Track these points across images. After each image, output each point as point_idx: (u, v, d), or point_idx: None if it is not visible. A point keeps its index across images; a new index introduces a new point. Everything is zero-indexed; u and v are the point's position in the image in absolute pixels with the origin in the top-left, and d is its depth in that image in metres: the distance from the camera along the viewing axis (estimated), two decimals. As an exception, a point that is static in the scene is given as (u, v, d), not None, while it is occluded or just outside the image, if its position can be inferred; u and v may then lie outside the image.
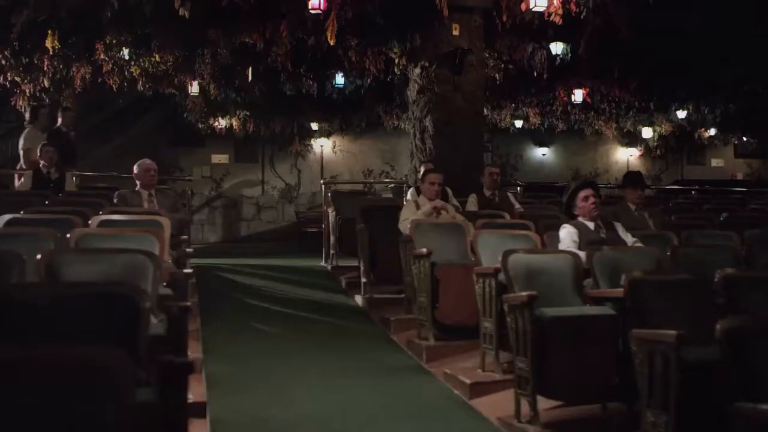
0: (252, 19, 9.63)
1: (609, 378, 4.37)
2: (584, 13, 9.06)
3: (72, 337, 2.77)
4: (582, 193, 5.67)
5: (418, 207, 7.14)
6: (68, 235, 4.74)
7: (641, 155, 20.84)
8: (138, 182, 7.20)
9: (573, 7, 9.02)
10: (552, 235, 5.81)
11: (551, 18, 8.89)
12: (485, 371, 5.26)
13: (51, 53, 10.17)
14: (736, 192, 13.84)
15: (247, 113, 15.97)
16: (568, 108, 15.33)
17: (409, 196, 8.53)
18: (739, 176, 20.28)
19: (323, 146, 19.42)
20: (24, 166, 9.77)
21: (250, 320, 7.11)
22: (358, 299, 7.87)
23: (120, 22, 9.58)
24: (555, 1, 8.79)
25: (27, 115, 9.92)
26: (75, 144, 10.27)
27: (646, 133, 18.64)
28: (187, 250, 5.94)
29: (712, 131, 18.13)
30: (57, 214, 5.84)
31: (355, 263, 8.48)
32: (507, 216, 7.58)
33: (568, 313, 4.39)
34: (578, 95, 13.77)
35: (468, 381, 5.06)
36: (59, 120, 10.21)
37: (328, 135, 19.17)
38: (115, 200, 7.13)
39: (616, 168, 20.85)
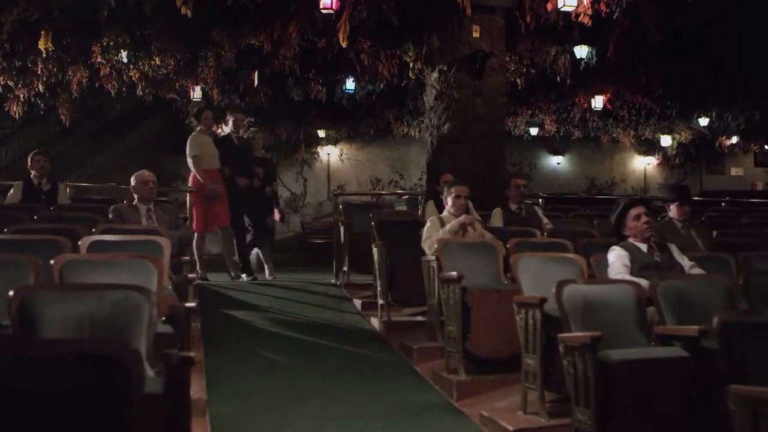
0: (259, 19, 9.04)
1: (680, 428, 3.80)
2: (616, 14, 8.48)
3: (41, 413, 2.14)
4: (633, 211, 5.11)
5: (442, 223, 6.52)
6: (52, 262, 4.10)
7: (659, 164, 20.17)
8: (136, 195, 6.61)
9: (603, 7, 8.44)
10: (599, 260, 5.18)
11: (579, 19, 8.33)
12: (527, 413, 4.63)
13: (44, 55, 9.58)
14: (764, 204, 13.15)
15: (252, 119, 15.36)
16: (587, 115, 14.68)
17: (428, 211, 7.95)
18: (759, 186, 19.58)
19: (330, 154, 18.76)
20: (199, 177, 8.49)
21: (257, 347, 6.46)
22: (375, 322, 7.20)
23: (118, 22, 9.01)
24: (585, 1, 8.22)
25: (192, 119, 9.11)
26: (245, 152, 8.99)
27: (665, 141, 17.97)
28: (191, 275, 5.29)
29: (734, 139, 17.43)
30: (43, 233, 5.20)
31: (368, 280, 7.84)
32: (538, 233, 6.96)
33: (637, 356, 3.76)
34: (598, 101, 13.13)
35: (511, 427, 4.41)
36: (229, 124, 9.23)
37: (335, 142, 18.55)
38: (110, 215, 6.52)
39: (633, 177, 20.20)
